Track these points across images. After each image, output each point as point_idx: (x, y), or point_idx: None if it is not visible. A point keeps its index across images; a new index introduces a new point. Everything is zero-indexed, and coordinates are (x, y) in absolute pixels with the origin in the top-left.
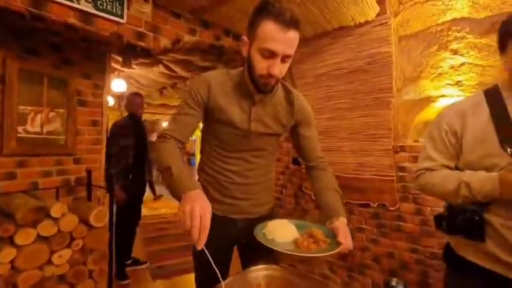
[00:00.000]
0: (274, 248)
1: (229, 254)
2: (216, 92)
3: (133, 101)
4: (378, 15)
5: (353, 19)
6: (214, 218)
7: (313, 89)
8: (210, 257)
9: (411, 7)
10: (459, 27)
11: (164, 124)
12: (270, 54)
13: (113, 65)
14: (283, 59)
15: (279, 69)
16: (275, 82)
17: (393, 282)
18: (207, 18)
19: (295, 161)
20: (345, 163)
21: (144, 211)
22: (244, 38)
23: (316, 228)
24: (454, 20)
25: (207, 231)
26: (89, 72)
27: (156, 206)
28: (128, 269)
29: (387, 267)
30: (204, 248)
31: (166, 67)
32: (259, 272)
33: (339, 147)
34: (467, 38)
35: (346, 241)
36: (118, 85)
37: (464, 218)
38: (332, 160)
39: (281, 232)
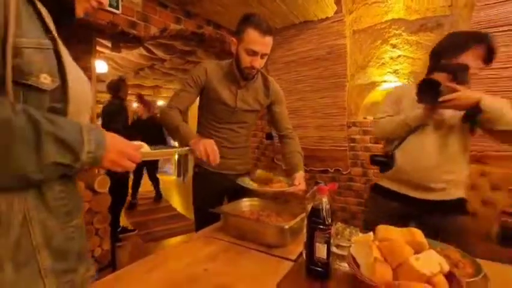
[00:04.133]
0: (253, 188)
1: (221, 200)
2: (211, 77)
3: (124, 87)
4: (336, 12)
5: (316, 15)
6: (210, 173)
7: (284, 73)
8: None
9: (362, 7)
10: (397, 26)
11: (135, 105)
12: (253, 53)
13: (97, 47)
14: (262, 56)
15: (259, 63)
16: (256, 72)
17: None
18: (190, 9)
19: (268, 136)
20: (309, 137)
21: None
22: (233, 39)
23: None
24: (393, 20)
25: (217, 152)
26: (79, 56)
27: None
28: (120, 236)
29: (341, 218)
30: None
31: (147, 50)
32: (246, 202)
33: (304, 123)
34: (402, 35)
35: (300, 184)
36: (99, 67)
37: (380, 159)
38: (298, 135)
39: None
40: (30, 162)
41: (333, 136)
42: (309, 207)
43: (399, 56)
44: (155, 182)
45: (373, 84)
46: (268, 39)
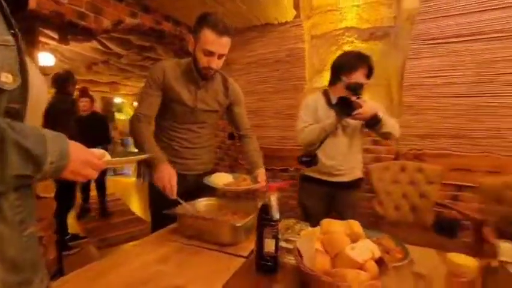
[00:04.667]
0: (219, 187)
1: (179, 202)
2: (169, 77)
3: (73, 80)
4: (295, 17)
5: (276, 18)
6: None
7: (245, 74)
8: (179, 199)
9: (319, 14)
10: (350, 34)
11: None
12: (209, 53)
13: (41, 38)
14: (219, 56)
15: (216, 63)
16: (214, 72)
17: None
18: (148, 4)
19: (230, 136)
20: (271, 137)
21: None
22: (191, 38)
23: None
24: (346, 27)
25: (175, 187)
26: None
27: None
28: (69, 244)
29: (299, 215)
30: (177, 197)
31: (101, 43)
32: (202, 202)
33: (266, 123)
34: (355, 43)
35: (262, 181)
36: (44, 59)
37: (306, 154)
38: (260, 134)
39: (221, 178)
40: None
41: (292, 136)
42: (259, 204)
43: (353, 50)
44: (100, 192)
45: None
46: (226, 40)
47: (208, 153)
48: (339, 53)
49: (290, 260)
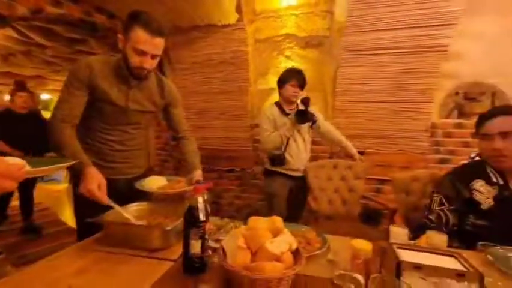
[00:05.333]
0: (153, 191)
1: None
2: (96, 75)
3: None
4: (238, 20)
5: (219, 20)
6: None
7: (190, 74)
8: (112, 203)
9: (262, 19)
10: (290, 40)
11: (7, 97)
12: (142, 53)
13: None
14: (153, 57)
15: (150, 63)
16: (147, 72)
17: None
18: None
19: (174, 138)
20: (216, 137)
21: None
22: (120, 35)
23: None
24: (287, 34)
25: (105, 193)
26: None
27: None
28: None
29: (245, 214)
30: (110, 201)
31: (18, 31)
32: (132, 207)
33: (211, 124)
34: (294, 49)
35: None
36: None
37: (276, 157)
38: (205, 135)
39: (154, 182)
40: None
41: (238, 137)
42: (186, 206)
43: (292, 66)
44: (26, 207)
45: (272, 90)
46: (159, 41)
47: (141, 156)
48: (280, 58)
49: (217, 259)
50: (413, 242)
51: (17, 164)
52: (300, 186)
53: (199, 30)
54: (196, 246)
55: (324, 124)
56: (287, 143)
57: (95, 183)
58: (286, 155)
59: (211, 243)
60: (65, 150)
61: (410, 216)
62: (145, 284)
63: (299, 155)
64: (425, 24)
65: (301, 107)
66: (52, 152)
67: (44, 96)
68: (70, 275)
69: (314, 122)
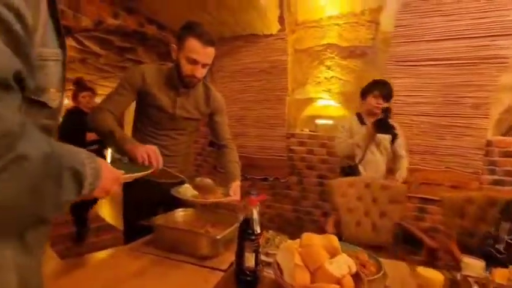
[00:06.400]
0: (186, 198)
1: (155, 211)
2: (149, 82)
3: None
4: (280, 30)
5: (261, 30)
6: (143, 181)
7: (230, 82)
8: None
9: (304, 29)
10: (331, 50)
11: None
12: (194, 62)
13: None
14: (203, 66)
15: (201, 72)
16: (197, 81)
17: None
18: (131, 5)
19: (211, 144)
20: (251, 146)
21: None
22: (174, 45)
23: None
24: (329, 44)
25: (160, 158)
26: None
27: None
28: None
29: (277, 225)
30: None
31: (77, 41)
32: (180, 212)
33: (247, 132)
34: (335, 59)
35: (235, 194)
36: None
37: (348, 167)
38: (241, 143)
39: (191, 190)
40: (51, 199)
41: (273, 146)
42: (241, 217)
43: (332, 76)
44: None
45: (310, 100)
46: (210, 50)
47: (186, 161)
48: (320, 67)
49: (269, 273)
50: (486, 275)
51: (118, 170)
52: None
53: (241, 39)
54: (250, 260)
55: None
56: (363, 155)
57: (150, 149)
58: (360, 167)
59: (262, 257)
60: (111, 133)
61: (467, 242)
62: None
63: (375, 168)
64: (482, 35)
65: (381, 116)
66: (94, 133)
67: (95, 100)
68: (129, 276)
69: (395, 135)
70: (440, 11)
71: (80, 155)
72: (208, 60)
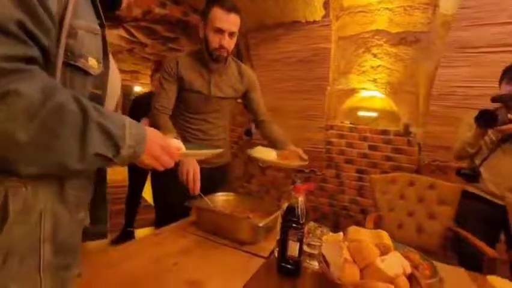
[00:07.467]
0: (269, 160)
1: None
2: (182, 66)
3: None
4: (323, 17)
5: (304, 17)
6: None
7: (267, 71)
8: (202, 195)
9: (349, 14)
10: (379, 37)
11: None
12: (219, 31)
13: None
14: (230, 35)
15: (228, 42)
16: (226, 54)
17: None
18: None
19: (247, 133)
20: (289, 137)
21: None
22: (200, 24)
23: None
24: (377, 30)
25: (199, 182)
26: None
27: None
28: None
29: (312, 218)
30: (200, 193)
31: (128, 31)
32: (220, 197)
33: (284, 123)
34: (383, 46)
35: (304, 157)
36: None
37: (465, 172)
38: None
39: (265, 153)
40: (73, 149)
41: (311, 138)
42: (285, 205)
43: (379, 65)
44: (132, 207)
45: (353, 91)
46: (234, 17)
47: (222, 145)
48: (365, 56)
49: (311, 265)
50: None
51: (175, 143)
52: (501, 220)
53: (282, 27)
54: (294, 248)
55: None
56: (487, 156)
57: (192, 171)
58: (482, 170)
59: (305, 248)
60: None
61: None
62: (239, 278)
63: (503, 175)
64: None
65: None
66: None
67: (137, 88)
68: (175, 253)
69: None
70: None
71: (120, 119)
72: (233, 27)
